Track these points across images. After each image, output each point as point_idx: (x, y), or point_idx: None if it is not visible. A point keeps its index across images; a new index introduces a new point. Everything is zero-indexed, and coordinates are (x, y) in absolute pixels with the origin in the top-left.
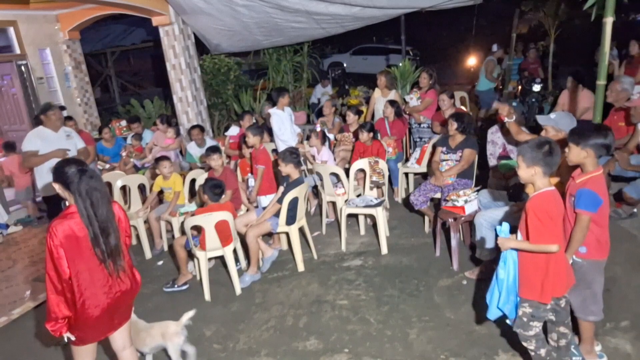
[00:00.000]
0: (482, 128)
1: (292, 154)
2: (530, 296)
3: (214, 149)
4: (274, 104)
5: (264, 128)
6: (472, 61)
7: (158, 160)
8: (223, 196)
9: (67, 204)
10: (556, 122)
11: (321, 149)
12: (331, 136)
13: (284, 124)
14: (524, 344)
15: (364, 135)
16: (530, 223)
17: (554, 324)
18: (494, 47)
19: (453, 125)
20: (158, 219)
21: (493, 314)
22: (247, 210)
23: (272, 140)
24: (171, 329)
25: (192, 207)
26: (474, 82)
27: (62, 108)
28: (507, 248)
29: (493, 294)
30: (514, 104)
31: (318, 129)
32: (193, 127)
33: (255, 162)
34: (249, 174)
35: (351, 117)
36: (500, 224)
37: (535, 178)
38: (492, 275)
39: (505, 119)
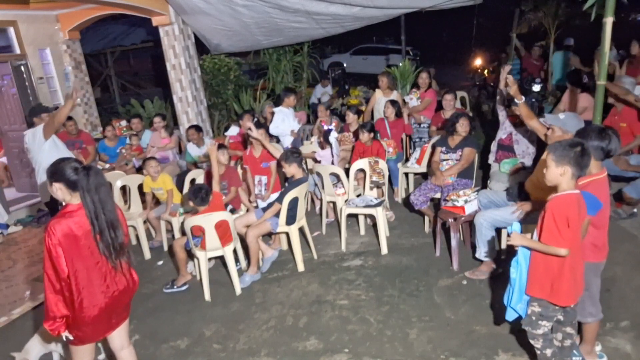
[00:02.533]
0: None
1: (294, 154)
2: (539, 295)
3: (219, 147)
4: (276, 104)
5: (267, 128)
6: (478, 62)
7: (145, 161)
8: (210, 197)
9: (63, 204)
10: (564, 123)
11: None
12: (335, 135)
13: (284, 122)
14: (531, 341)
15: (365, 136)
16: (546, 222)
17: (560, 324)
18: (570, 41)
19: (464, 126)
20: (158, 219)
21: (510, 315)
22: (247, 210)
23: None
24: None
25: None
26: (476, 82)
27: (56, 109)
28: (518, 244)
29: (508, 294)
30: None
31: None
32: (189, 127)
33: (265, 160)
34: (256, 177)
35: (350, 116)
36: (504, 224)
37: (563, 179)
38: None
39: (516, 101)
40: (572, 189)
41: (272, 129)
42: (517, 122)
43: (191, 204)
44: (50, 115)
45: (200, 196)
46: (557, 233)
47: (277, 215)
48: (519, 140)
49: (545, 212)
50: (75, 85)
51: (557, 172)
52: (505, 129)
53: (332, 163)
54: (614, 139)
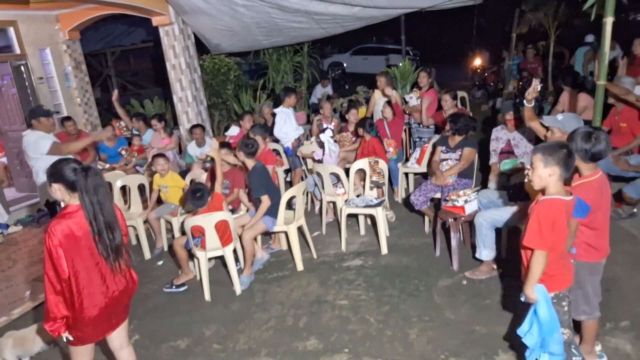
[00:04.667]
0: None
1: (245, 145)
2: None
3: (223, 145)
4: (275, 104)
5: (267, 128)
6: (477, 61)
7: (154, 157)
8: (209, 198)
9: (62, 205)
10: (563, 124)
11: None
12: (329, 133)
13: (286, 123)
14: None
15: (360, 131)
16: (530, 224)
17: None
18: (591, 37)
19: (448, 127)
20: (158, 219)
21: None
22: (247, 210)
23: (272, 140)
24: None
25: None
26: (476, 82)
27: (57, 112)
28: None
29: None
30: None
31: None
32: (195, 125)
33: (265, 162)
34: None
35: (354, 115)
36: (504, 224)
37: (551, 180)
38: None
39: (525, 102)
40: (560, 191)
41: (277, 132)
42: (518, 124)
43: (190, 206)
44: (66, 140)
45: (196, 196)
46: (538, 235)
47: (272, 214)
48: (518, 144)
49: (530, 214)
50: (104, 134)
51: (546, 173)
52: (504, 135)
53: (321, 161)
54: (602, 141)
